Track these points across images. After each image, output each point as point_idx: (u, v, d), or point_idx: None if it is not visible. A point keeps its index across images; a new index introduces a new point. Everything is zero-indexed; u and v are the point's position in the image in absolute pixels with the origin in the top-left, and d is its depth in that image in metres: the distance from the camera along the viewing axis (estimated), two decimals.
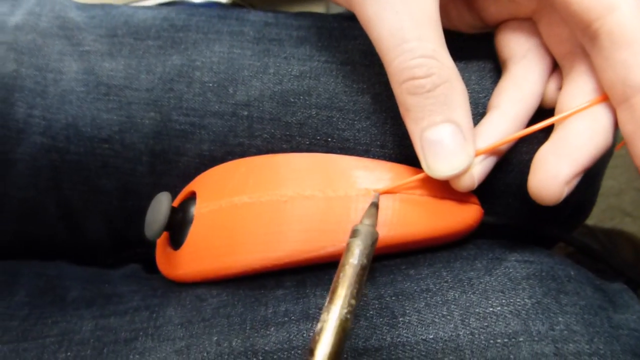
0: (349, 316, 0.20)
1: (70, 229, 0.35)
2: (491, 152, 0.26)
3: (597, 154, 0.24)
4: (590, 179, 0.30)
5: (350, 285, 0.21)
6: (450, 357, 0.23)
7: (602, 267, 0.33)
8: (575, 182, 0.24)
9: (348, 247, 0.23)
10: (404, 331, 0.24)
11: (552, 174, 0.23)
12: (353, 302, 0.21)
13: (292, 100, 0.31)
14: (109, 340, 0.26)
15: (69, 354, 0.26)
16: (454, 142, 0.24)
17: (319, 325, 0.20)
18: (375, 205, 0.25)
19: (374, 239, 0.23)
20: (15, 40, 0.33)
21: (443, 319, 0.24)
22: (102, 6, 0.35)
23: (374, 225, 0.24)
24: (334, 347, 0.20)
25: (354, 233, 0.23)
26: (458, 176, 0.25)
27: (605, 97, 0.24)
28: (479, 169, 0.26)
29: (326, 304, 0.21)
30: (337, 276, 0.22)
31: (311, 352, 0.20)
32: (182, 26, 0.33)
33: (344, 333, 0.20)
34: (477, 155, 0.25)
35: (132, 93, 0.32)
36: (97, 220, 0.35)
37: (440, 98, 0.24)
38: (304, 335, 0.25)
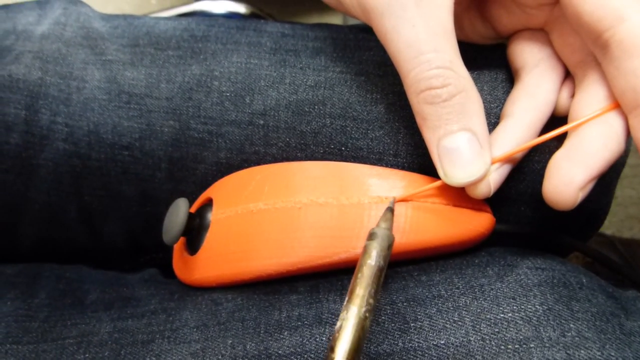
0: (367, 315, 0.21)
1: (90, 233, 0.36)
2: (506, 159, 0.26)
3: (611, 159, 0.24)
4: (604, 187, 0.30)
5: (368, 285, 0.22)
6: None
7: (621, 278, 0.33)
8: (589, 188, 0.24)
9: (365, 249, 0.23)
10: (415, 336, 0.24)
11: (566, 180, 0.24)
12: (371, 301, 0.21)
13: (307, 109, 0.31)
14: (126, 342, 0.27)
15: (87, 355, 0.26)
16: (471, 149, 0.25)
17: (338, 324, 0.21)
18: (390, 210, 0.25)
19: (390, 241, 0.24)
20: (41, 49, 0.33)
21: (454, 324, 0.24)
22: (125, 17, 0.36)
23: (390, 228, 0.24)
24: (354, 344, 0.20)
25: (371, 236, 0.24)
26: (475, 183, 0.25)
27: (617, 105, 0.24)
28: (495, 177, 0.26)
29: (345, 303, 0.21)
30: (355, 276, 0.22)
31: (332, 349, 0.20)
32: (202, 37, 0.34)
33: (363, 331, 0.20)
34: (493, 163, 0.26)
35: (152, 102, 0.33)
36: (117, 225, 0.35)
37: (456, 107, 0.24)
38: (317, 339, 0.25)
